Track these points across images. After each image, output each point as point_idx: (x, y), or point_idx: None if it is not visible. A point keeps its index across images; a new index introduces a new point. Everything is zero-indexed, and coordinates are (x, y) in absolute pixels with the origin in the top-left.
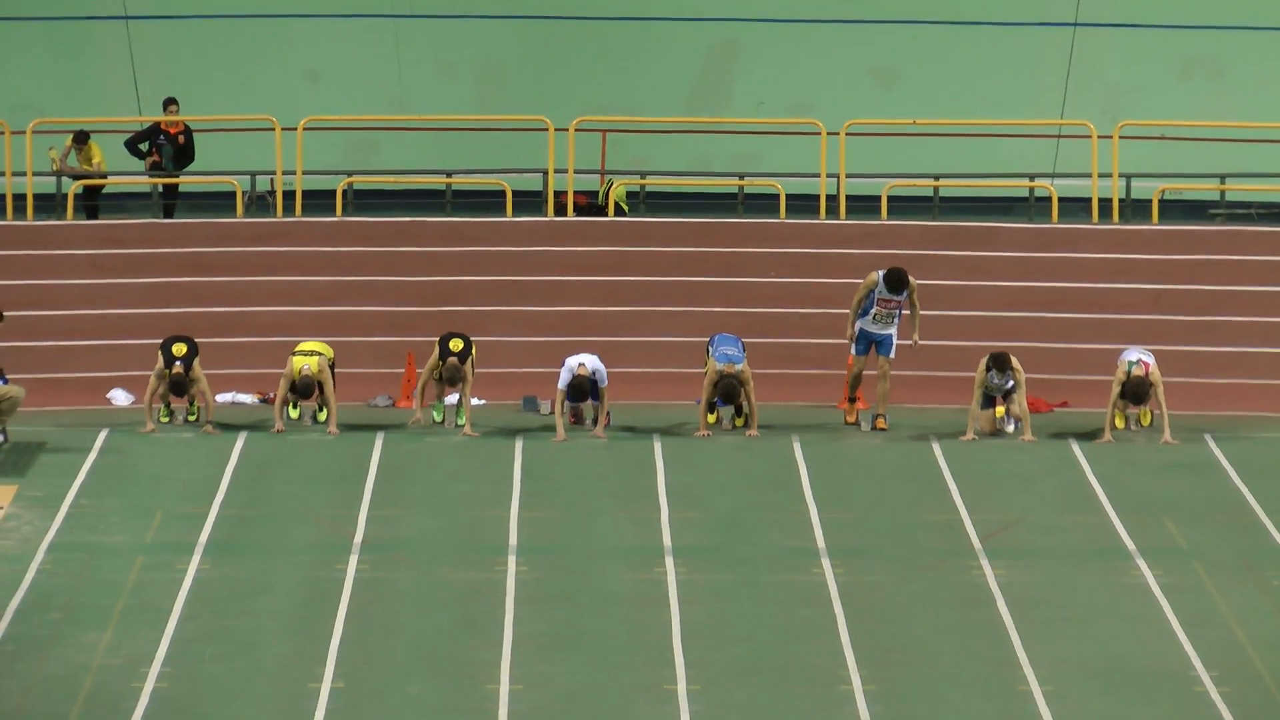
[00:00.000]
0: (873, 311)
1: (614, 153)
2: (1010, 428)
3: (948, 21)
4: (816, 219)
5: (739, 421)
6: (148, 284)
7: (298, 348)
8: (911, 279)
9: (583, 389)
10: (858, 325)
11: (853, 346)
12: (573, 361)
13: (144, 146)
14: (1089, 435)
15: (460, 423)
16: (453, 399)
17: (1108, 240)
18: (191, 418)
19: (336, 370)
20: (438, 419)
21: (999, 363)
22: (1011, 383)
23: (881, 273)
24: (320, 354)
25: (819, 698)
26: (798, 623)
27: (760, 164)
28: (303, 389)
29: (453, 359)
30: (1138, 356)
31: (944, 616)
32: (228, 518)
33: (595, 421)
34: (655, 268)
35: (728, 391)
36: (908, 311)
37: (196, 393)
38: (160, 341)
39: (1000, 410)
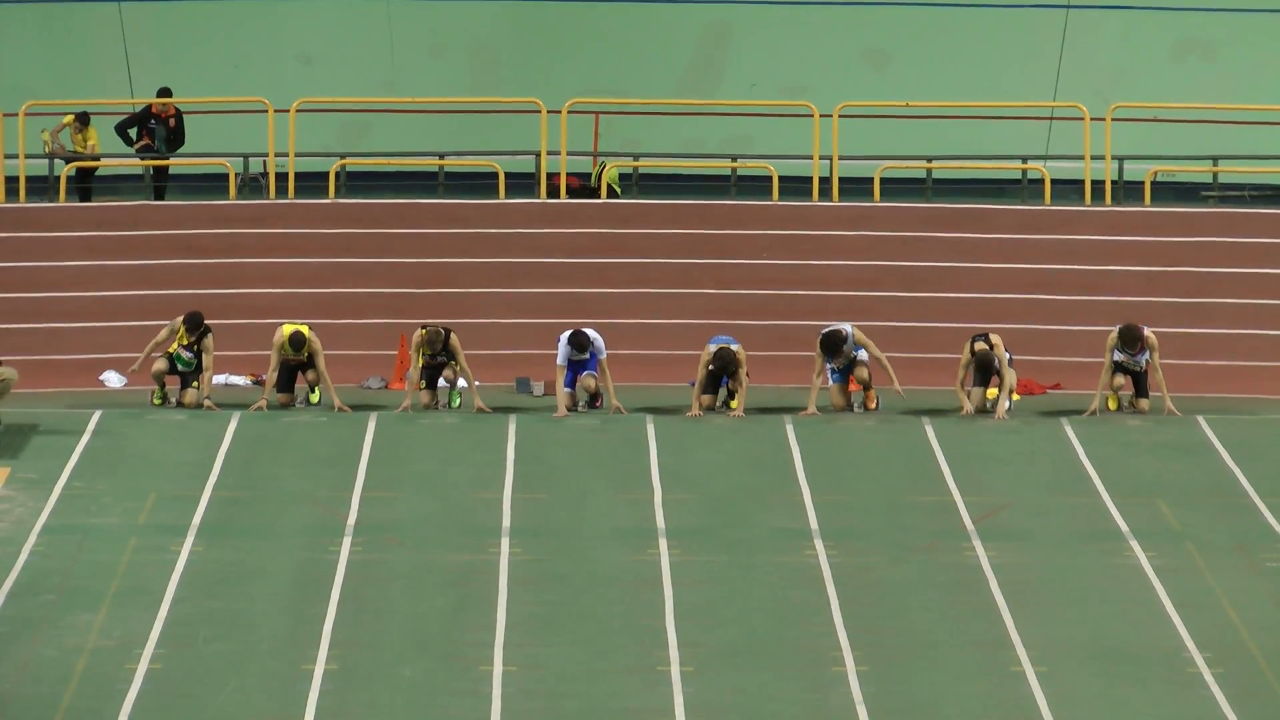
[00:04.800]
0: (830, 367)
1: (607, 134)
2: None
3: (940, 4)
4: (809, 201)
5: (734, 404)
6: (140, 266)
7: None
8: (851, 332)
9: (581, 339)
10: (828, 369)
11: (830, 379)
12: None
13: (133, 133)
14: (1084, 416)
15: (455, 404)
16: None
17: (1100, 222)
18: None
19: (328, 353)
20: (454, 405)
21: (983, 367)
22: (995, 362)
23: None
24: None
25: (812, 679)
26: (791, 604)
27: (753, 146)
28: (295, 341)
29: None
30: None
31: (937, 598)
32: (221, 500)
33: (591, 404)
34: (648, 250)
35: (724, 362)
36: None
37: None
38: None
39: (992, 392)
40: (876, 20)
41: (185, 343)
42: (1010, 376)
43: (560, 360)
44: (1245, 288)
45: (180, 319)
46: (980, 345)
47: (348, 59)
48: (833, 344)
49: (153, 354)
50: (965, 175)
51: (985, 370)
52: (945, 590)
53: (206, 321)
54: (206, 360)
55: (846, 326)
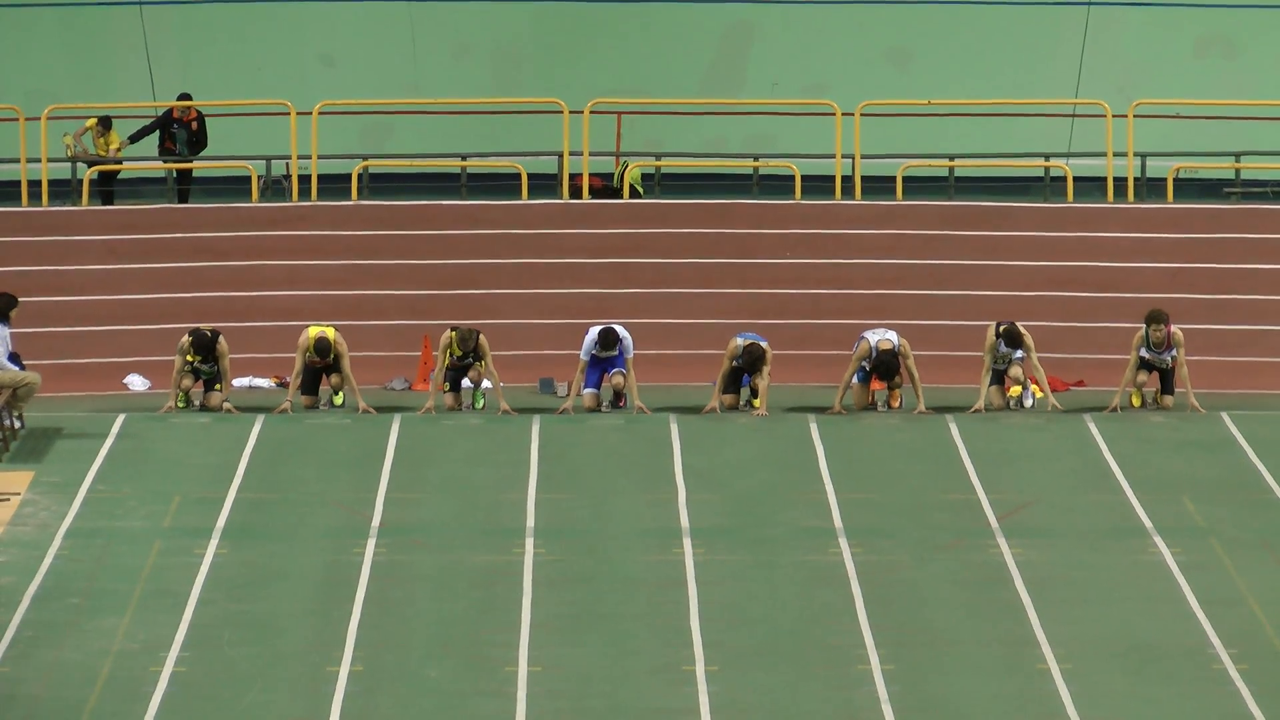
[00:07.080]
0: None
1: (629, 134)
2: (1028, 402)
3: (962, 1)
4: (832, 200)
5: (756, 403)
6: (163, 269)
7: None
8: (898, 345)
9: (610, 337)
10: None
11: (856, 377)
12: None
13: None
14: (1106, 413)
15: (478, 405)
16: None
17: (1123, 219)
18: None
19: (351, 354)
20: (477, 406)
21: (1010, 337)
22: (1020, 352)
23: (872, 343)
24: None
25: (837, 678)
26: (816, 603)
27: (775, 145)
28: (320, 348)
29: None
30: (880, 335)
31: (962, 596)
32: (245, 502)
33: (614, 404)
34: (670, 249)
35: (752, 357)
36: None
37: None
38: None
39: (1016, 389)
40: (898, 18)
41: (197, 362)
42: (1029, 370)
43: (584, 354)
44: (1268, 284)
45: (186, 341)
46: (1005, 327)
47: (370, 61)
48: (889, 370)
49: (181, 380)
50: (987, 173)
51: (1013, 344)
52: (970, 588)
53: (216, 326)
54: (224, 365)
55: (893, 336)
